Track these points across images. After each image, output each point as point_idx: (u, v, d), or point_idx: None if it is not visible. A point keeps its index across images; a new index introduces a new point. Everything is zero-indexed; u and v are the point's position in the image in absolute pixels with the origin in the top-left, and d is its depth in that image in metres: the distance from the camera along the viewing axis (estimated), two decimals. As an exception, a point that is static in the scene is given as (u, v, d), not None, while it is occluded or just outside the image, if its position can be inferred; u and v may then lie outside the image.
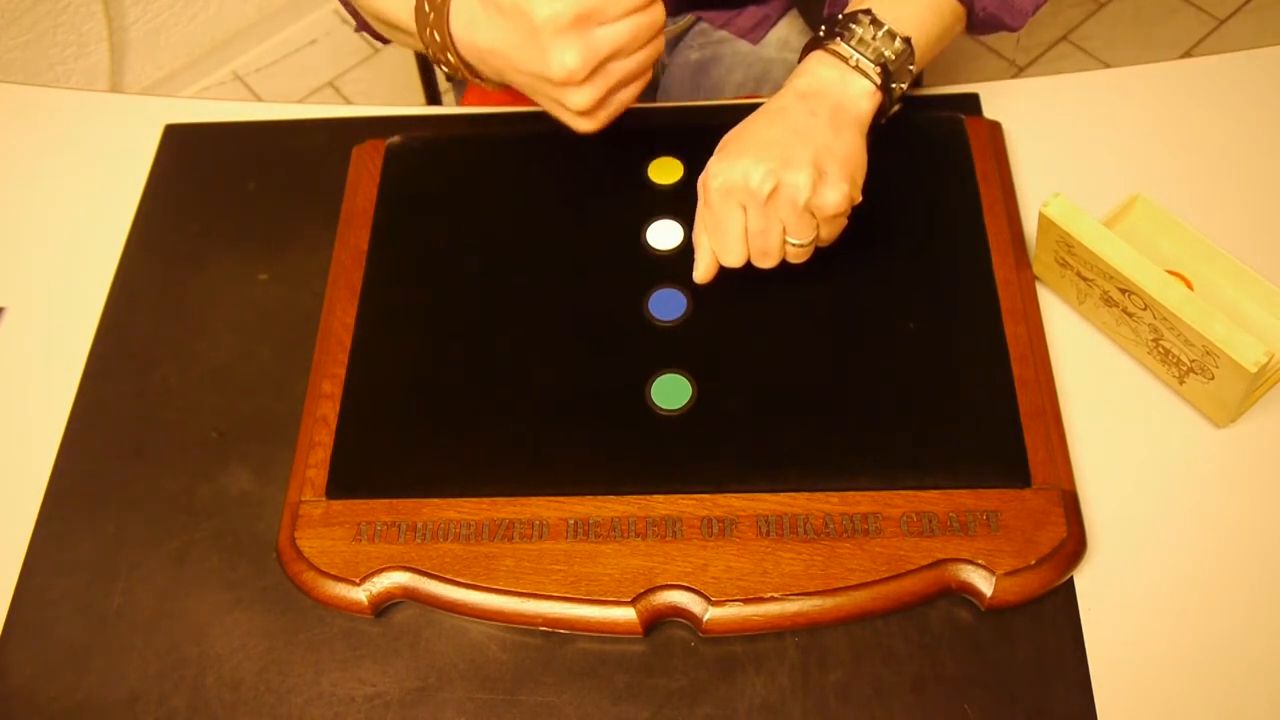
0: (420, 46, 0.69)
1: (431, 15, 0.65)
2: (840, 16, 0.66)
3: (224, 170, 0.81)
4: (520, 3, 0.60)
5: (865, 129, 0.64)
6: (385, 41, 0.81)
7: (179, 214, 0.79)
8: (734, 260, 0.64)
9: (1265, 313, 0.65)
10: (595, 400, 0.66)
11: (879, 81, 0.64)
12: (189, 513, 0.66)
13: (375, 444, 0.65)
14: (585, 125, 0.65)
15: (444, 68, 0.68)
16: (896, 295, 0.68)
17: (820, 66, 0.65)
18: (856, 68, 0.64)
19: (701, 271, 0.66)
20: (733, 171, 0.61)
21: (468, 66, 0.67)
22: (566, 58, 0.60)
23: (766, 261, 0.64)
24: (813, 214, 0.62)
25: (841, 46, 0.64)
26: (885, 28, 0.64)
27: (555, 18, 0.59)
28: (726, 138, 0.64)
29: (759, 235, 0.63)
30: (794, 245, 0.63)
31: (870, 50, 0.64)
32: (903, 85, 0.66)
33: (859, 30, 0.64)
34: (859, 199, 0.63)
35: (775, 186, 0.60)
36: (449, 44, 0.65)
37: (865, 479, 0.62)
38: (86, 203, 0.81)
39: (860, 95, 0.64)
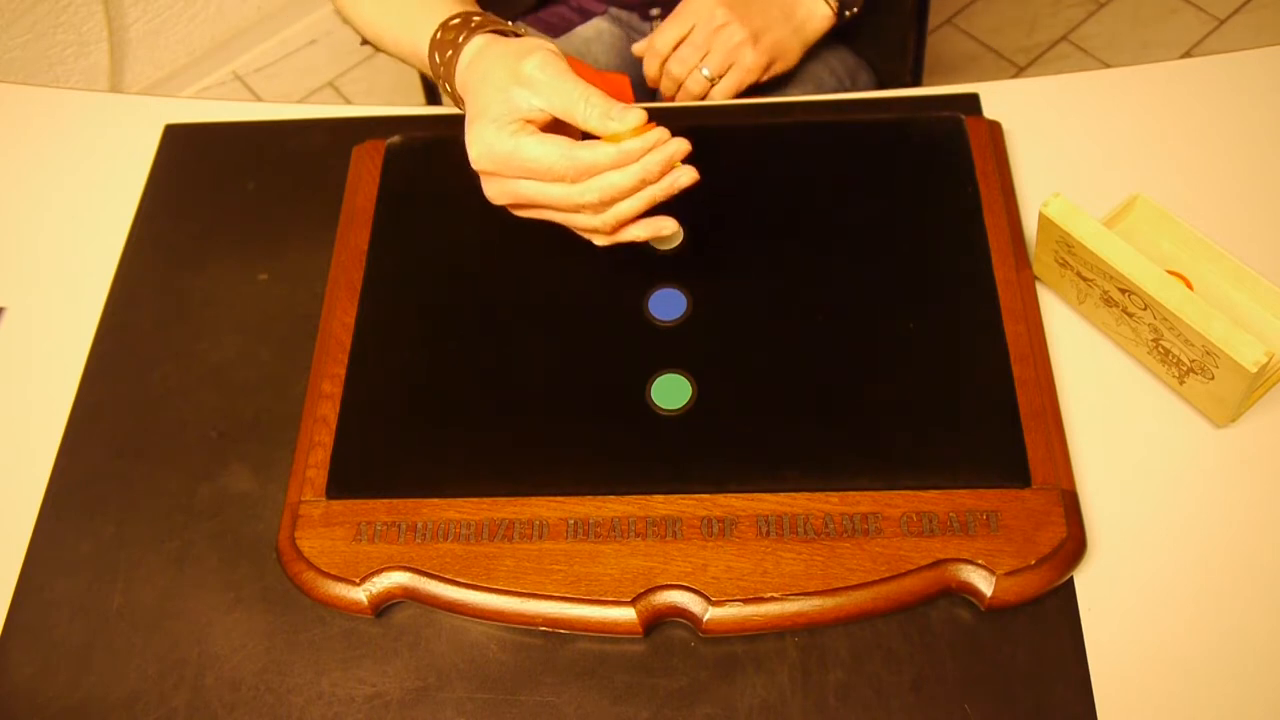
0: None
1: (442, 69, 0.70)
2: None
3: (224, 170, 0.81)
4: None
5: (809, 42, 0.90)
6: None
7: (179, 214, 0.79)
8: (661, 42, 0.87)
9: (1265, 313, 0.65)
10: (595, 400, 0.66)
11: (835, 8, 0.89)
12: (189, 513, 0.66)
13: (375, 444, 0.65)
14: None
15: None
16: (896, 295, 0.68)
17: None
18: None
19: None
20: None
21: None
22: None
23: (677, 68, 0.87)
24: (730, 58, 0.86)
25: None
26: None
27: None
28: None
29: (690, 47, 0.86)
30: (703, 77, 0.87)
31: None
32: (854, 10, 0.90)
33: None
34: (762, 80, 0.88)
35: (727, 23, 0.85)
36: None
37: (865, 479, 0.61)
38: (86, 203, 0.81)
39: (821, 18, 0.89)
